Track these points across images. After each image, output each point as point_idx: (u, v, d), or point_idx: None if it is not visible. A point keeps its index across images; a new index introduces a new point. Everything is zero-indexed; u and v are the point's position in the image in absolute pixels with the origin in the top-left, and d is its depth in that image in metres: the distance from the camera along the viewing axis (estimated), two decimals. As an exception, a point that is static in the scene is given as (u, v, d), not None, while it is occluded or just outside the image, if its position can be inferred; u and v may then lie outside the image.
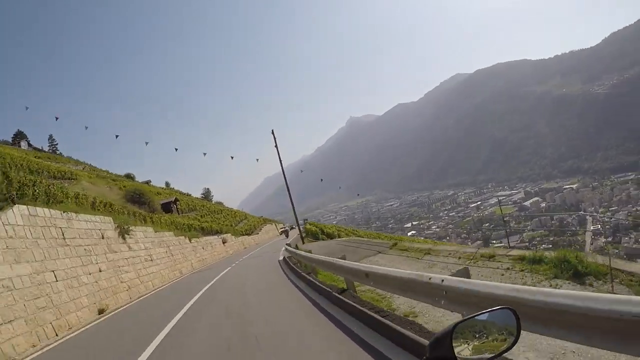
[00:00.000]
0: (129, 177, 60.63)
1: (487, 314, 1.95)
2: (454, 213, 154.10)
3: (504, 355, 1.86)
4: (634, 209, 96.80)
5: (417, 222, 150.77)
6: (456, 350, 1.76)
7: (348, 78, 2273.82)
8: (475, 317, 1.93)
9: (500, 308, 1.97)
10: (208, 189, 75.32)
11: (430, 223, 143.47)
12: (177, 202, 49.61)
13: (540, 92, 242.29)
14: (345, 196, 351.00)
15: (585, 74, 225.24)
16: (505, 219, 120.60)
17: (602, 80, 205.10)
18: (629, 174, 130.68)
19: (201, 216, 51.76)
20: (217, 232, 44.05)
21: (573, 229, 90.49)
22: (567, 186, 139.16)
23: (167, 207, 44.31)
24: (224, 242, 43.80)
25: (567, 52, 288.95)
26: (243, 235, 56.29)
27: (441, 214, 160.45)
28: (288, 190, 37.82)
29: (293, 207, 37.72)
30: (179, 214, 45.51)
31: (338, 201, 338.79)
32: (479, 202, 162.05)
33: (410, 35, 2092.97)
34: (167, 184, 74.41)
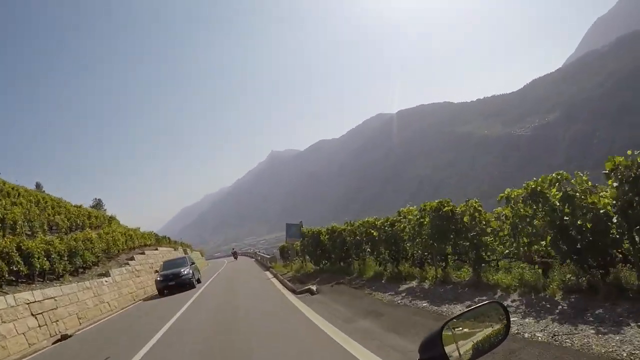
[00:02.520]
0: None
1: (475, 310, 1.93)
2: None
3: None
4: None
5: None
6: (447, 349, 1.72)
7: (270, 113, 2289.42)
8: (464, 314, 1.91)
9: (488, 303, 1.97)
10: (99, 199, 64.43)
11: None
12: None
13: (463, 133, 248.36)
14: (265, 229, 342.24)
15: (507, 116, 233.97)
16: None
17: (523, 123, 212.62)
18: None
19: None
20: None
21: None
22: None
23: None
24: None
25: (489, 96, 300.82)
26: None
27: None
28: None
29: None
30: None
31: (257, 234, 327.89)
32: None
33: (332, 74, 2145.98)
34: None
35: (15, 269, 14.92)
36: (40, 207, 27.38)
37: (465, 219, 9.51)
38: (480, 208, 9.53)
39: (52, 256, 17.19)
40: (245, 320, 10.90)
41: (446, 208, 10.13)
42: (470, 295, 8.37)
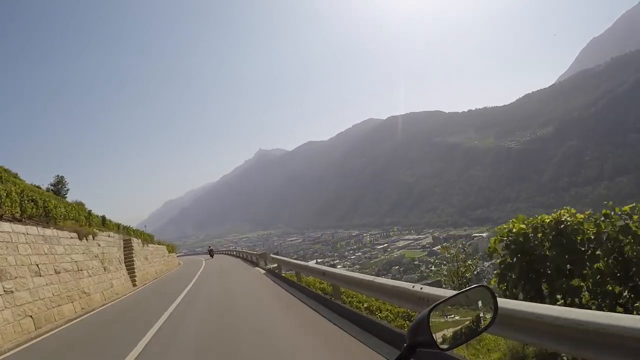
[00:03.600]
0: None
1: (463, 295, 1.94)
2: (360, 253, 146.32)
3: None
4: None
5: (321, 260, 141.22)
6: (435, 333, 1.68)
7: (259, 111, 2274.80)
8: (452, 299, 1.92)
9: (475, 287, 1.98)
10: (62, 176, 51.06)
11: (335, 262, 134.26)
12: None
13: (452, 143, 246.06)
14: (247, 227, 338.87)
15: (498, 129, 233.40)
16: (415, 262, 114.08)
17: (514, 136, 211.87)
18: None
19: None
20: None
21: (489, 277, 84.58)
22: (476, 234, 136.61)
23: None
24: None
25: (480, 107, 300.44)
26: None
27: (346, 253, 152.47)
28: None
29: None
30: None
31: (238, 232, 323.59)
32: (385, 244, 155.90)
33: (326, 76, 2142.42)
34: None
35: None
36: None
37: None
38: None
39: None
40: None
41: None
42: None
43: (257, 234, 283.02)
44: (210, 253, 65.78)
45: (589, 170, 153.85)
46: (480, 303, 1.91)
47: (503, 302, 4.64)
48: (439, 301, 1.83)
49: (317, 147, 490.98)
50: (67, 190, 52.48)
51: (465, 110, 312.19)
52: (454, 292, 1.96)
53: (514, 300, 4.84)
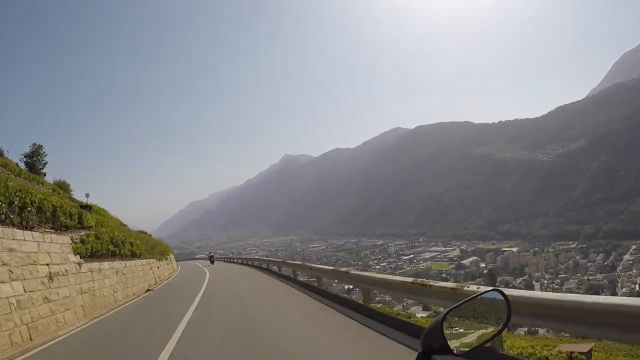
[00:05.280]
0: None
1: (476, 299, 1.94)
2: (385, 263, 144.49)
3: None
4: (585, 277, 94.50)
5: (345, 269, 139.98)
6: (449, 339, 1.70)
7: (286, 116, 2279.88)
8: (465, 303, 1.90)
9: (487, 290, 1.99)
10: (39, 145, 44.23)
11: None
12: None
13: (481, 154, 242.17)
14: (269, 232, 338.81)
15: (529, 141, 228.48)
16: (442, 274, 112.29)
17: (545, 149, 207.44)
18: (569, 242, 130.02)
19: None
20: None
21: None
22: (506, 248, 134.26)
23: None
24: None
25: (511, 119, 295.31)
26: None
27: (371, 262, 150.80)
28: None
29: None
30: None
31: (261, 235, 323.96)
32: (411, 255, 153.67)
33: (354, 83, 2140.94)
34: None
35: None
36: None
37: None
38: None
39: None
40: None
41: None
42: None
43: (279, 239, 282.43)
44: (211, 259, 65.99)
45: (624, 186, 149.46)
46: (493, 306, 1.90)
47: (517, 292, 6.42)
48: (452, 306, 1.83)
49: (344, 154, 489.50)
50: (45, 163, 43.86)
51: (496, 122, 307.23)
52: (466, 298, 1.94)
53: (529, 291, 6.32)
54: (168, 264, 44.02)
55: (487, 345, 1.47)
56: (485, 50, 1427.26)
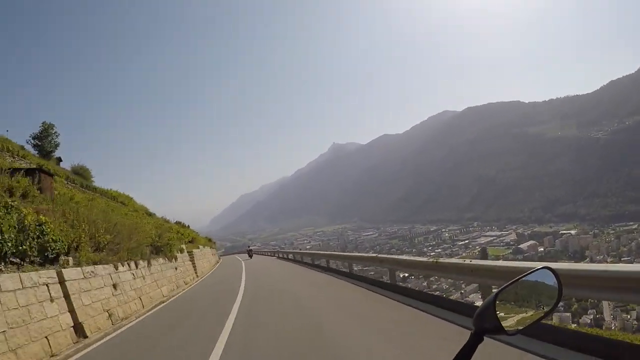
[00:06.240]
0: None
1: (526, 277, 1.89)
2: (440, 250, 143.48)
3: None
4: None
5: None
6: (501, 319, 1.71)
7: (334, 105, 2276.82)
8: (515, 282, 1.88)
9: (537, 269, 1.92)
10: (50, 124, 39.87)
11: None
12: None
13: (534, 134, 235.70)
14: (321, 221, 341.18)
15: (582, 118, 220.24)
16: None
17: (601, 125, 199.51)
18: (630, 223, 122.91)
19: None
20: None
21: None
22: (564, 231, 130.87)
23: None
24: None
25: (562, 96, 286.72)
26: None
27: (425, 249, 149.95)
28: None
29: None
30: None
31: (314, 225, 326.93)
32: (466, 241, 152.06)
33: (399, 68, 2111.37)
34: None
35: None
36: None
37: None
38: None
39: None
40: None
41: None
42: None
43: (331, 228, 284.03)
44: (249, 253, 65.38)
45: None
46: (545, 284, 1.88)
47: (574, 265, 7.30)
48: (503, 285, 1.82)
49: (392, 140, 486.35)
50: (57, 145, 39.73)
51: (546, 100, 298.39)
52: (517, 277, 1.89)
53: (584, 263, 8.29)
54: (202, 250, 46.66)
55: (542, 322, 1.89)
56: (532, 27, 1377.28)
